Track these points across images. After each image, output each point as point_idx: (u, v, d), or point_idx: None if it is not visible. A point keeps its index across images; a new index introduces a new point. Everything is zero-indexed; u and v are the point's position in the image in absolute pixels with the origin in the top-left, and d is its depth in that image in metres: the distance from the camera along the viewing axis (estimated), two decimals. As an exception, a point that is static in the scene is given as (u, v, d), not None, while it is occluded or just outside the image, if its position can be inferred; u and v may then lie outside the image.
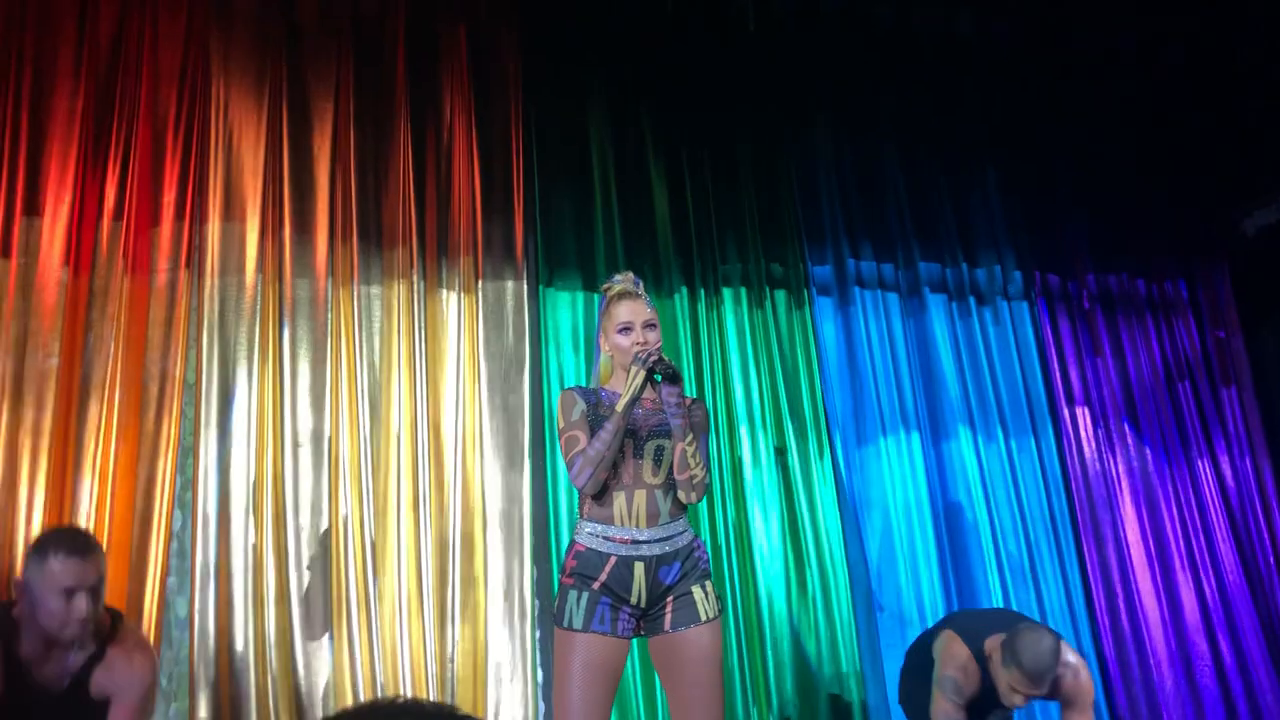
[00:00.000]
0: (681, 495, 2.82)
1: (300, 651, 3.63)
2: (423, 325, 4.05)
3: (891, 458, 4.50)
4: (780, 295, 4.61)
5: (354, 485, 3.81)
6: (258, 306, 3.87)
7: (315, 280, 3.99)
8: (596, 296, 3.65)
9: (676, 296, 4.43)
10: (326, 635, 3.66)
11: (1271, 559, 4.87)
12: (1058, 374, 4.86)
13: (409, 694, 3.62)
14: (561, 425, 2.82)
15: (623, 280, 2.98)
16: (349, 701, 3.58)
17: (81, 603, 2.50)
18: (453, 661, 3.74)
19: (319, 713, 3.54)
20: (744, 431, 4.35)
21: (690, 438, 2.79)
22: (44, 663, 2.58)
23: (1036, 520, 4.60)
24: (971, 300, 4.86)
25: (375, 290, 4.08)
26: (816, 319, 4.61)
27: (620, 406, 2.71)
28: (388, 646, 3.70)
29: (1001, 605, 4.40)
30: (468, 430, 3.99)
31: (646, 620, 2.79)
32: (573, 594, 2.72)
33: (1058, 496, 4.67)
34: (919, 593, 4.34)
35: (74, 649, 2.58)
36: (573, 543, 2.80)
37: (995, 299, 4.90)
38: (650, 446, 2.81)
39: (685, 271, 4.48)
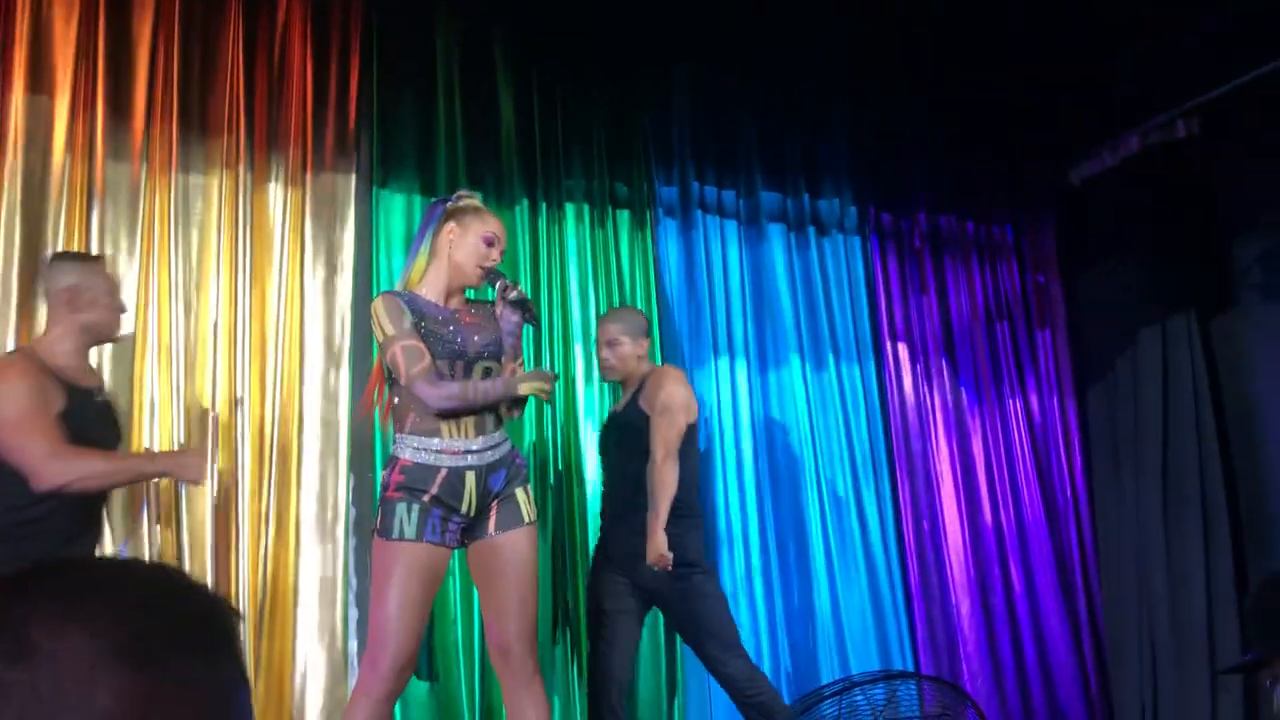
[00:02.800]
0: (503, 411, 2.90)
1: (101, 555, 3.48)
2: (247, 219, 3.87)
3: (722, 381, 4.57)
4: (623, 215, 4.58)
5: (164, 384, 3.64)
6: (64, 187, 3.62)
7: (130, 164, 3.76)
8: (429, 201, 3.58)
9: (518, 209, 4.35)
10: (124, 542, 3.52)
11: (1069, 493, 5.18)
12: (884, 308, 5.00)
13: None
14: (392, 333, 2.78)
15: (470, 195, 3.08)
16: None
17: None
18: (264, 568, 3.65)
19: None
20: (578, 349, 4.34)
21: (520, 359, 2.90)
22: None
23: (856, 449, 4.76)
24: (810, 231, 4.93)
25: (196, 179, 3.87)
26: (658, 240, 4.61)
27: (506, 388, 2.81)
28: (197, 552, 3.59)
29: (819, 527, 4.56)
30: (290, 332, 3.86)
31: (471, 527, 2.82)
32: (401, 506, 2.72)
33: (875, 427, 4.84)
34: (741, 512, 4.45)
35: None
36: (395, 458, 2.80)
37: (832, 232, 4.99)
38: (479, 368, 2.84)
39: (528, 184, 4.40)
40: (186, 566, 3.54)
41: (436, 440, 2.76)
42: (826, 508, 4.61)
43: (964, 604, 4.78)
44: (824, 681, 4.29)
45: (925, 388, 4.99)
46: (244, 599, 3.62)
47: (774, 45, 4.90)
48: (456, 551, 2.94)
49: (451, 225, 2.93)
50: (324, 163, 4.06)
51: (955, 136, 5.25)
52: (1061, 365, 5.33)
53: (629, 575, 3.54)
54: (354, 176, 4.11)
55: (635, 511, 3.47)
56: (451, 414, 2.77)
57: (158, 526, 3.53)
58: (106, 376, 3.49)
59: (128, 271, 3.69)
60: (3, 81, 3.61)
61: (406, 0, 4.33)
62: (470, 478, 2.77)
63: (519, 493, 2.87)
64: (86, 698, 0.64)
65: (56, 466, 2.68)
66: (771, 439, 4.60)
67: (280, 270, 3.90)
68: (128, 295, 3.62)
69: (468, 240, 2.89)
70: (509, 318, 2.91)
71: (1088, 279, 5.31)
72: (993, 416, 5.10)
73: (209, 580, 3.54)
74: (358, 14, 4.21)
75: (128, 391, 3.59)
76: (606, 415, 3.93)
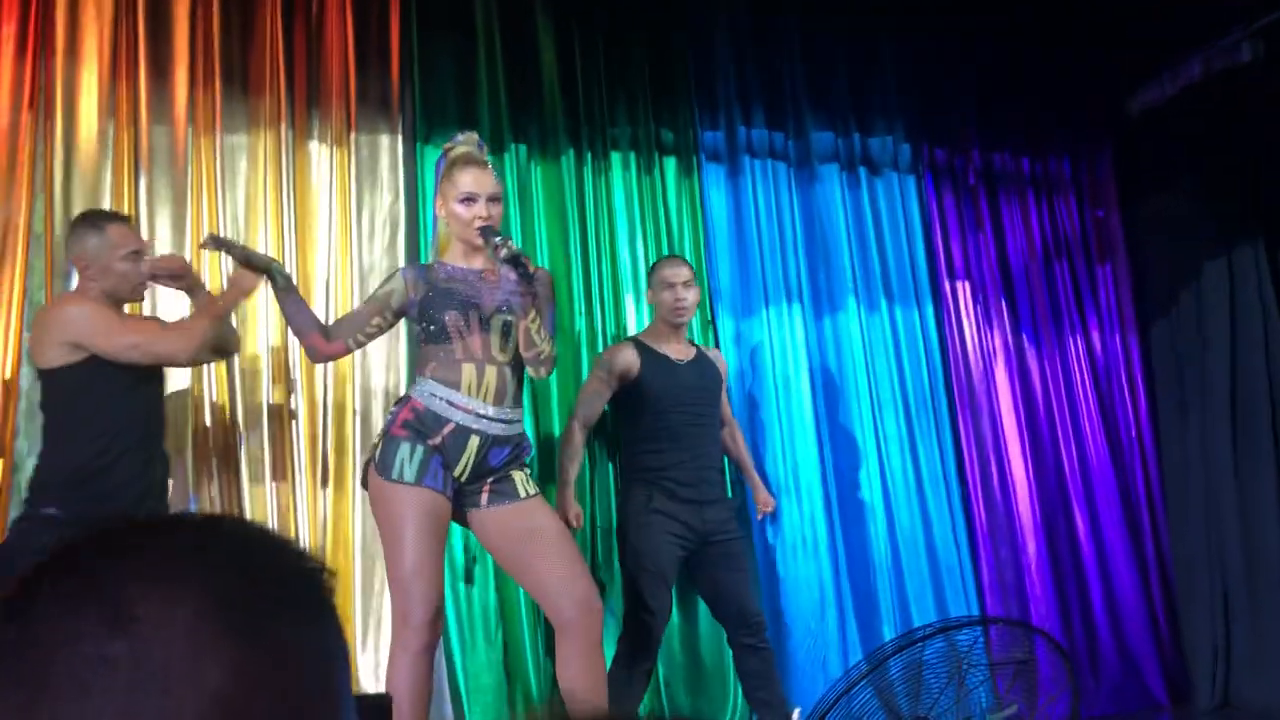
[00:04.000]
0: (531, 371, 2.81)
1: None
2: (291, 178, 3.85)
3: (774, 329, 4.49)
4: (669, 162, 4.50)
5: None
6: (109, 154, 3.62)
7: (174, 127, 3.74)
8: None
9: (563, 159, 4.29)
10: (190, 500, 3.53)
11: (1134, 431, 5.06)
12: (940, 248, 4.88)
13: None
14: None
15: (465, 142, 2.90)
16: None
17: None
18: (324, 529, 3.66)
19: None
20: (629, 299, 4.28)
21: (533, 314, 2.73)
22: None
23: (915, 392, 4.67)
24: (862, 171, 4.82)
25: (240, 140, 3.85)
26: (705, 187, 4.52)
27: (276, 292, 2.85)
28: (256, 515, 3.60)
29: (878, 472, 4.49)
30: (341, 292, 3.84)
31: (460, 495, 2.75)
32: (405, 446, 2.66)
33: (934, 369, 4.74)
34: (800, 460, 4.39)
35: None
36: (408, 398, 2.75)
37: (884, 171, 4.87)
38: (497, 322, 2.77)
39: (572, 133, 4.33)
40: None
41: (455, 394, 2.70)
42: (887, 452, 4.53)
43: (1030, 545, 4.69)
44: (887, 628, 4.24)
45: (985, 327, 4.88)
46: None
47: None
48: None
49: (439, 193, 2.86)
50: (367, 120, 4.02)
51: (1008, 69, 5.10)
52: (1123, 300, 5.19)
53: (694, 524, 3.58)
54: (399, 134, 4.07)
55: (720, 459, 3.79)
56: (323, 353, 2.85)
57: (218, 484, 3.53)
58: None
59: (176, 235, 3.68)
60: (45, 49, 3.60)
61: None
62: (474, 441, 2.70)
63: (514, 474, 2.79)
64: (195, 673, 0.57)
65: (179, 341, 2.93)
66: (829, 384, 4.53)
67: (329, 229, 3.88)
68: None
69: (451, 207, 2.81)
70: (507, 276, 2.79)
71: (1148, 212, 5.15)
72: (1053, 355, 4.98)
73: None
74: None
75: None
76: (652, 355, 3.73)
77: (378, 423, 3.78)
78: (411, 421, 2.69)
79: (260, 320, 3.72)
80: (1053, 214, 5.19)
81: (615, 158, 4.41)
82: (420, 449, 2.65)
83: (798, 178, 4.72)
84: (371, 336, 2.90)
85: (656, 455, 3.63)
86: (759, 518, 4.03)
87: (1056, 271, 5.11)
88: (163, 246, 3.65)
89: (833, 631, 4.25)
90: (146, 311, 3.43)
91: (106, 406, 2.88)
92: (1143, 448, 5.04)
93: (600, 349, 4.10)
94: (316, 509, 3.67)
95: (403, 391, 3.79)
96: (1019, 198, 5.14)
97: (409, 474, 2.63)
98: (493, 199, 2.80)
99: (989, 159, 5.11)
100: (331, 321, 2.89)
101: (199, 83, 3.79)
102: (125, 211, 3.53)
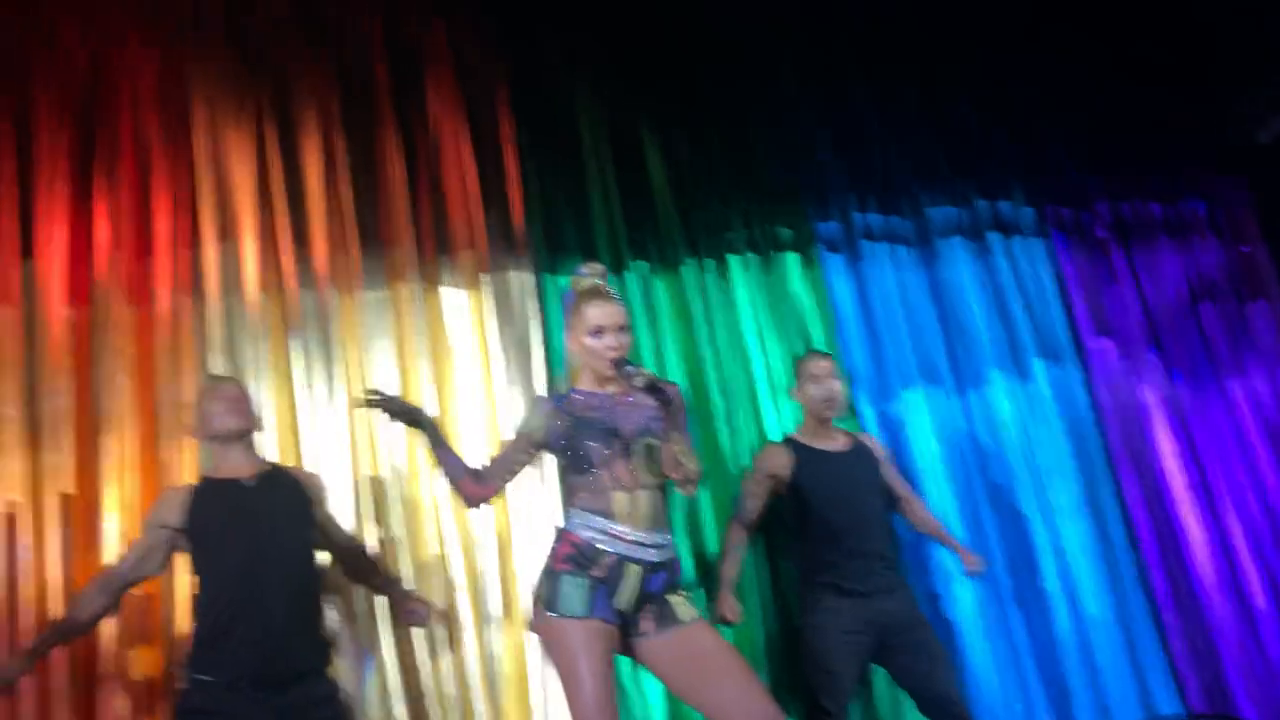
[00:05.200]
0: (681, 490, 2.76)
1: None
2: (426, 325, 4.01)
3: (917, 410, 4.42)
4: (790, 258, 4.51)
5: (378, 494, 3.78)
6: (263, 324, 3.84)
7: (318, 291, 3.95)
8: None
9: (683, 269, 4.36)
10: (369, 660, 3.63)
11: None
12: (1079, 307, 4.75)
13: (453, 699, 3.61)
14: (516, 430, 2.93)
15: (591, 274, 2.94)
16: (395, 709, 3.56)
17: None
18: (492, 662, 3.71)
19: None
20: (766, 399, 4.27)
21: (675, 436, 2.74)
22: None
23: (1072, 459, 4.51)
24: (990, 238, 4.75)
25: (380, 294, 4.04)
26: (828, 277, 4.52)
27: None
28: (426, 655, 3.67)
29: (1049, 546, 4.32)
30: (489, 426, 3.94)
31: (625, 626, 2.73)
32: (568, 579, 2.66)
33: (1088, 432, 4.57)
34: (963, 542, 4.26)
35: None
36: (565, 531, 2.75)
37: (1010, 236, 4.79)
38: (639, 446, 2.76)
39: (689, 243, 4.41)
40: (423, 673, 3.62)
41: (610, 523, 2.69)
42: (1054, 523, 4.36)
43: (1218, 608, 4.42)
44: (1078, 710, 4.05)
45: (1136, 382, 4.70)
46: (477, 694, 3.67)
47: (913, 54, 4.79)
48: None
49: (568, 326, 2.90)
50: (494, 259, 4.17)
51: (1124, 114, 4.98)
52: (1282, 337, 4.94)
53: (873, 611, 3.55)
54: (526, 269, 4.20)
55: (888, 548, 3.71)
56: (476, 497, 2.90)
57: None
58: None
59: (327, 392, 3.86)
60: (196, 235, 3.87)
61: (548, 89, 4.44)
62: (634, 572, 2.68)
63: (670, 598, 2.75)
64: None
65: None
66: (982, 460, 4.41)
67: (467, 369, 4.00)
68: (329, 417, 3.82)
69: (582, 341, 2.84)
70: (646, 403, 2.82)
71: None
72: (1214, 403, 4.75)
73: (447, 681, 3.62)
74: (505, 114, 4.33)
75: (354, 501, 3.73)
76: (807, 453, 3.75)
77: (532, 554, 3.85)
78: (573, 555, 2.69)
79: (418, 465, 3.84)
80: (1193, 256, 5.01)
81: (733, 261, 4.45)
82: (584, 580, 2.65)
83: (920, 255, 4.69)
84: (518, 473, 2.94)
85: (821, 553, 3.60)
86: (968, 574, 3.86)
87: (1205, 315, 4.90)
88: (321, 402, 3.84)
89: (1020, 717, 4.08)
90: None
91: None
92: (1331, 488, 4.73)
93: (743, 454, 4.10)
94: (485, 652, 3.72)
95: (559, 510, 3.89)
96: (1154, 245, 4.98)
97: (579, 608, 2.62)
98: (622, 329, 2.82)
99: (1118, 209, 4.97)
100: (478, 464, 2.94)
101: (336, 246, 4.00)
102: (283, 376, 3.74)
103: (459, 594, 3.76)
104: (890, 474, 3.88)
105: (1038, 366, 4.60)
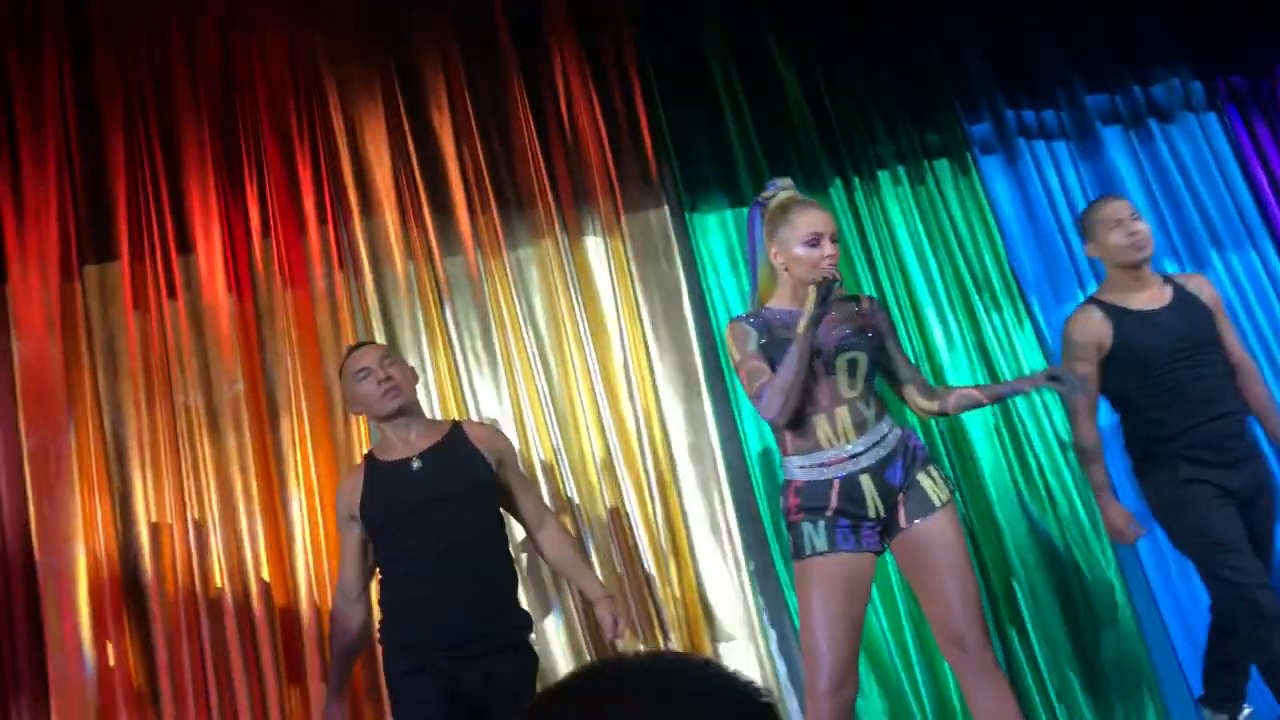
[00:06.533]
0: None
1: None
2: (574, 276, 3.97)
3: (1095, 313, 4.15)
4: (941, 165, 4.30)
5: (546, 448, 3.78)
6: (415, 293, 3.87)
7: (465, 255, 3.96)
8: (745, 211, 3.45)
9: (831, 190, 4.20)
10: (554, 610, 3.65)
11: None
12: (1265, 182, 4.39)
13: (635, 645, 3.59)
14: (738, 358, 2.71)
15: (782, 187, 2.84)
16: (582, 658, 3.56)
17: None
18: (672, 604, 3.67)
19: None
20: (931, 315, 4.09)
21: (897, 357, 2.79)
22: None
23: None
24: (1152, 123, 4.43)
25: (525, 253, 4.03)
26: (986, 182, 4.29)
27: (802, 328, 2.57)
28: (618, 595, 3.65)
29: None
30: (642, 371, 3.90)
31: (886, 528, 2.67)
32: (807, 525, 2.62)
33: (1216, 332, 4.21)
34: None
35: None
36: (788, 481, 2.70)
37: (1178, 116, 4.46)
38: (842, 362, 2.67)
39: (834, 162, 4.24)
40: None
41: (820, 454, 2.64)
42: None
43: None
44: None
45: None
46: (669, 636, 3.64)
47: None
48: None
49: (772, 239, 2.76)
50: (634, 204, 4.11)
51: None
52: None
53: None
54: (665, 210, 4.13)
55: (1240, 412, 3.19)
56: (792, 413, 2.60)
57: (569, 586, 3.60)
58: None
59: (485, 352, 3.87)
60: (343, 212, 3.91)
61: (673, 23, 4.33)
62: (866, 481, 2.63)
63: (922, 479, 2.66)
64: None
65: None
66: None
67: (617, 316, 3.96)
68: (489, 378, 3.83)
69: (794, 251, 2.70)
70: (841, 318, 2.75)
71: None
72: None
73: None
74: (630, 54, 4.24)
75: (524, 458, 3.74)
76: (1124, 318, 3.18)
77: (698, 490, 3.79)
78: (803, 503, 2.65)
79: (580, 414, 3.82)
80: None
81: (883, 176, 4.27)
82: (821, 522, 2.61)
83: (1081, 149, 4.41)
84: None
85: (1163, 425, 3.10)
86: None
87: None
88: (477, 366, 3.86)
89: None
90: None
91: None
92: None
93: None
94: (666, 586, 3.69)
95: (718, 450, 3.83)
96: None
97: (820, 544, 2.60)
98: (834, 238, 2.72)
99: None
100: (755, 387, 2.68)
101: (477, 209, 4.00)
102: (439, 342, 3.77)
103: (639, 539, 3.72)
104: (1223, 327, 3.27)
105: (1225, 249, 4.27)
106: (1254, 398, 3.26)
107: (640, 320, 3.98)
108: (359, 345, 3.24)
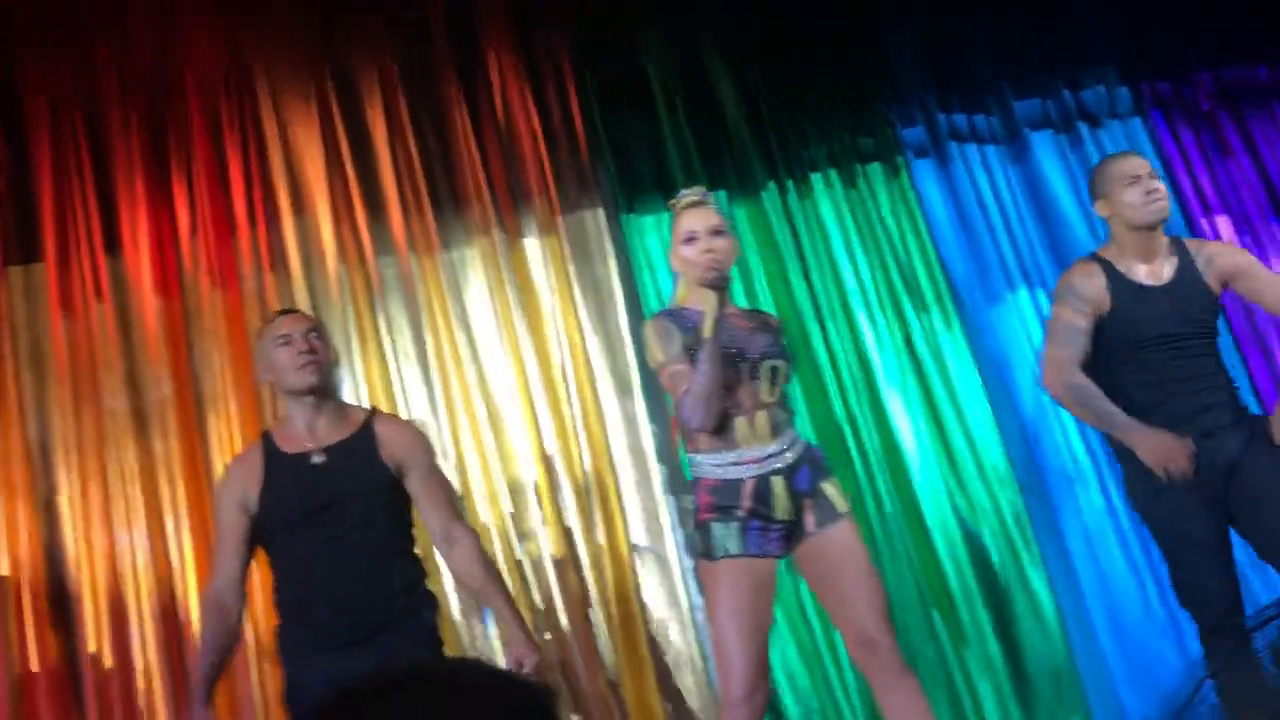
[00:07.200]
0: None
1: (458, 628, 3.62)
2: (512, 277, 3.97)
3: (1025, 315, 4.24)
4: (874, 168, 4.36)
5: (477, 449, 3.77)
6: (346, 294, 3.85)
7: (398, 256, 3.95)
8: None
9: (764, 193, 4.24)
10: (486, 612, 3.65)
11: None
12: (1188, 186, 4.48)
13: (561, 649, 3.60)
14: (661, 359, 2.70)
15: (690, 193, 2.86)
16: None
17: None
18: (609, 604, 3.69)
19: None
20: (862, 316, 4.14)
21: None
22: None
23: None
24: (1081, 127, 4.51)
25: (459, 254, 4.02)
26: (917, 185, 4.35)
27: (707, 331, 2.57)
28: (539, 602, 3.67)
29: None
30: (578, 372, 3.91)
31: (790, 532, 2.68)
32: (718, 526, 2.61)
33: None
34: (1081, 443, 4.08)
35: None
36: (699, 479, 2.69)
37: (1105, 121, 4.54)
38: (765, 368, 2.69)
39: (768, 164, 4.27)
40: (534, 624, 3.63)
41: (734, 452, 2.64)
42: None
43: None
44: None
45: (1261, 258, 4.40)
46: (602, 640, 3.66)
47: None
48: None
49: (673, 245, 2.80)
50: (570, 205, 4.12)
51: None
52: None
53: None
54: (601, 211, 4.14)
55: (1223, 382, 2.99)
56: (717, 418, 2.59)
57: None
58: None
59: (417, 354, 3.87)
60: (274, 213, 3.89)
61: (608, 28, 4.34)
62: (778, 483, 2.63)
63: (826, 487, 2.68)
64: None
65: None
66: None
67: (554, 316, 3.97)
68: (417, 376, 3.81)
69: (679, 253, 2.75)
70: (762, 327, 2.79)
71: None
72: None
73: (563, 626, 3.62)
74: (566, 57, 4.25)
75: (457, 460, 3.74)
76: (1122, 285, 2.99)
77: (634, 490, 3.81)
78: (714, 502, 2.64)
79: (513, 416, 3.83)
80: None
81: (816, 179, 4.31)
82: (733, 523, 2.60)
83: (1011, 153, 4.48)
84: None
85: (1136, 402, 2.87)
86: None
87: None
88: (409, 368, 3.85)
89: (1159, 618, 3.90)
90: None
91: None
92: None
93: (845, 378, 3.98)
94: (603, 589, 3.70)
95: (650, 451, 3.86)
96: (1267, 111, 4.66)
97: (732, 547, 2.59)
98: (715, 232, 2.72)
99: (1220, 78, 4.66)
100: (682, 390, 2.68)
101: (411, 209, 3.99)
102: (370, 343, 3.76)
103: (576, 539, 3.74)
104: (1256, 285, 3.04)
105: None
106: None
107: (577, 321, 3.99)
108: (286, 310, 3.01)
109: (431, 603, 2.82)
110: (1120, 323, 2.95)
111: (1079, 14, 4.61)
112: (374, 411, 2.92)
